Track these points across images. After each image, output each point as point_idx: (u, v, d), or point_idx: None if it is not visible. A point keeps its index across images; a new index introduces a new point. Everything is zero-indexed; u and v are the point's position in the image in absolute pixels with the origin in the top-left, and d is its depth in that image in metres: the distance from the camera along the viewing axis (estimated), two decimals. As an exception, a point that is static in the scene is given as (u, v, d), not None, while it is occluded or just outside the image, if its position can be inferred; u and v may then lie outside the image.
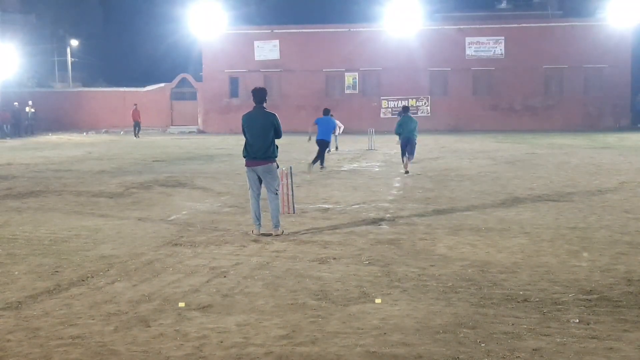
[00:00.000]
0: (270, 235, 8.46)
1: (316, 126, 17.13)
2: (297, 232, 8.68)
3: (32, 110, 37.33)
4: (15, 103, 36.54)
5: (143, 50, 55.83)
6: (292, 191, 10.48)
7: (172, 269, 6.83)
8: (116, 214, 10.37)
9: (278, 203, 8.65)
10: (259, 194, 8.62)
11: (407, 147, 15.69)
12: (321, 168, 16.50)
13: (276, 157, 8.60)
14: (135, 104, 35.97)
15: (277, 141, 8.64)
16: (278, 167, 8.74)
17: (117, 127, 39.79)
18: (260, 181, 8.59)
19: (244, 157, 8.62)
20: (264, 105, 8.58)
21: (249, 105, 8.70)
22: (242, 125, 8.60)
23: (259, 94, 8.56)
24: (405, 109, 16.33)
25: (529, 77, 37.07)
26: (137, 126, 34.65)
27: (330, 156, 19.72)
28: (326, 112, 18.20)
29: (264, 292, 5.95)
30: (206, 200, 11.63)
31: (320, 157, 16.55)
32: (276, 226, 8.56)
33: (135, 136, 33.99)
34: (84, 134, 37.65)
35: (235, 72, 38.72)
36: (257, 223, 8.57)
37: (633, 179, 13.96)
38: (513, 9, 50.26)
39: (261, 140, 8.43)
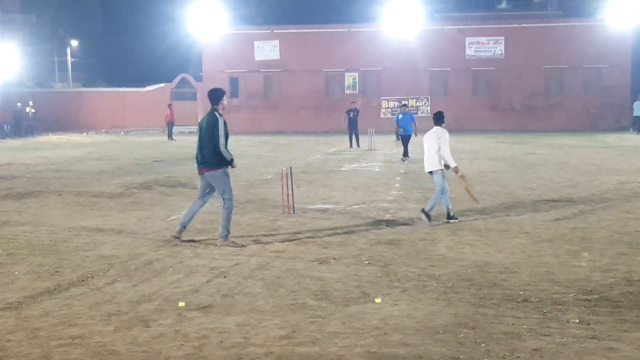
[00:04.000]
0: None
1: None
2: (297, 232, 8.69)
3: (33, 110, 37.29)
4: (18, 104, 36.50)
5: (143, 51, 55.83)
6: (292, 191, 10.49)
7: (172, 269, 6.83)
8: (116, 214, 10.36)
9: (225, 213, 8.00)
10: (201, 197, 8.23)
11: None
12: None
13: (219, 165, 7.91)
14: (170, 104, 33.32)
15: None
16: (227, 174, 7.99)
17: (117, 127, 39.77)
18: (208, 188, 8.14)
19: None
20: (217, 107, 7.98)
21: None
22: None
23: (210, 95, 8.07)
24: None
25: (529, 77, 37.04)
26: (172, 127, 31.57)
27: (329, 156, 19.68)
28: None
29: (264, 292, 5.95)
30: (206, 201, 11.61)
31: None
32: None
33: (171, 138, 30.90)
34: (84, 134, 37.64)
35: (235, 72, 38.67)
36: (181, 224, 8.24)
37: (633, 179, 13.95)
38: (513, 9, 50.17)
39: (203, 144, 7.93)
